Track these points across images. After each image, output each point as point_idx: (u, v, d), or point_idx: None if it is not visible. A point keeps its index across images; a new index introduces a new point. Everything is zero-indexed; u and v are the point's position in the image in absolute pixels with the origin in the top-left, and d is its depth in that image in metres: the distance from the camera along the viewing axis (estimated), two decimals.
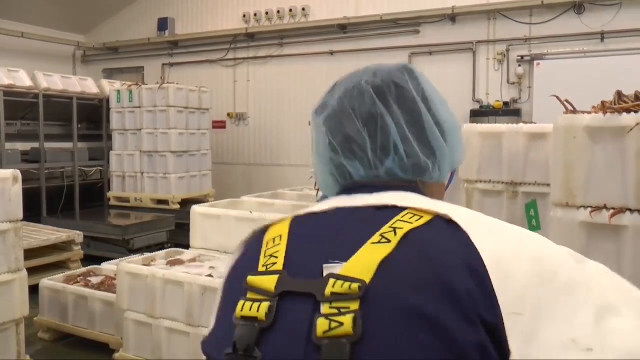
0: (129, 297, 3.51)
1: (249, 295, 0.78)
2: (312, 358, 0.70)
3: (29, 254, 4.76)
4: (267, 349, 0.73)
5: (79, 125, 7.95)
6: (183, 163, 7.47)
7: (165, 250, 4.02)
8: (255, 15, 8.79)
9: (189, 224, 4.10)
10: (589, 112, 2.10)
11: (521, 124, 2.96)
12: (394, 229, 0.78)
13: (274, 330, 0.74)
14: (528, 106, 7.06)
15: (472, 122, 6.52)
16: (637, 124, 1.92)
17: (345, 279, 0.73)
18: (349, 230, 0.83)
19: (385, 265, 0.74)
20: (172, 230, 6.81)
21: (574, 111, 2.17)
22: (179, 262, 3.69)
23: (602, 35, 6.67)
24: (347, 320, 0.70)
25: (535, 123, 3.14)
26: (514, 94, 7.20)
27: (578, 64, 6.79)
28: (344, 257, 0.76)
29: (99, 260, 5.28)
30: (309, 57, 8.47)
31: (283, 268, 0.79)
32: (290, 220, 0.90)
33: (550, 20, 6.96)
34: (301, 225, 0.88)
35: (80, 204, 7.69)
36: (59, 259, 5.44)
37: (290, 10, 8.49)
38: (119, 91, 7.65)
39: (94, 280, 4.40)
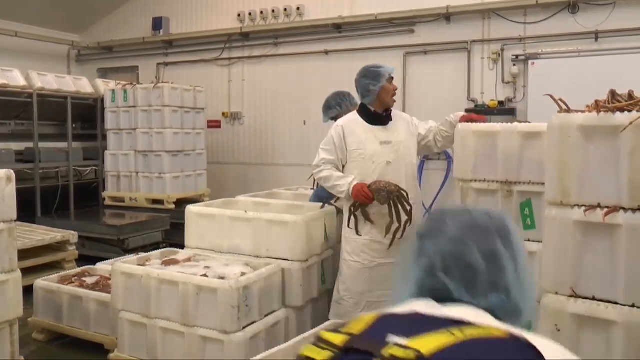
0: (124, 297, 3.51)
1: (318, 343, 0.91)
2: None
3: (23, 254, 4.74)
4: None
5: (74, 125, 7.92)
6: (178, 163, 7.46)
7: (160, 250, 4.02)
8: (250, 14, 8.77)
9: (184, 224, 4.09)
10: (583, 111, 2.11)
11: (515, 123, 2.97)
12: (462, 330, 0.89)
13: None
14: (523, 105, 7.07)
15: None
16: (631, 123, 1.93)
17: (405, 347, 0.84)
18: (422, 325, 0.93)
19: (444, 348, 0.84)
20: (167, 230, 6.80)
21: (568, 110, 2.18)
22: (174, 262, 3.68)
23: (596, 35, 6.69)
24: None
25: (529, 122, 3.14)
26: (508, 93, 7.20)
27: (572, 63, 6.80)
28: (410, 337, 0.87)
29: (94, 260, 5.26)
30: (304, 56, 8.46)
31: (356, 334, 0.91)
32: (373, 316, 1.01)
33: (545, 19, 6.97)
34: (389, 320, 0.99)
35: (74, 204, 7.67)
36: (53, 259, 5.42)
37: (285, 10, 8.48)
38: (113, 91, 7.63)
39: (89, 280, 4.38)
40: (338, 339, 0.89)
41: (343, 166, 3.62)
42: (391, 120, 3.67)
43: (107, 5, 10.07)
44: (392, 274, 3.48)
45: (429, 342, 0.84)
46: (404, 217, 3.42)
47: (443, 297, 1.04)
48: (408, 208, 3.44)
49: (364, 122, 3.63)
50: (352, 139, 3.59)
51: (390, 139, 3.60)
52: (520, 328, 1.01)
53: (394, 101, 3.68)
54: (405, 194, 3.45)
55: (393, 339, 0.86)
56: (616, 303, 1.99)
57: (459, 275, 1.04)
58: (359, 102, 3.93)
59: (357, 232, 3.52)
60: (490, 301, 1.03)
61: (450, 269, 1.05)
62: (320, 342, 0.90)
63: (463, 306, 1.01)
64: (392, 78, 3.63)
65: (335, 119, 4.27)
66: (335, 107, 4.44)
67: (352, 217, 3.52)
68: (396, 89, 3.67)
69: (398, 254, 3.47)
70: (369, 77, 3.58)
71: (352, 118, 3.70)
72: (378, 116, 3.63)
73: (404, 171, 3.59)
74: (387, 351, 0.83)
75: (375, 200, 3.42)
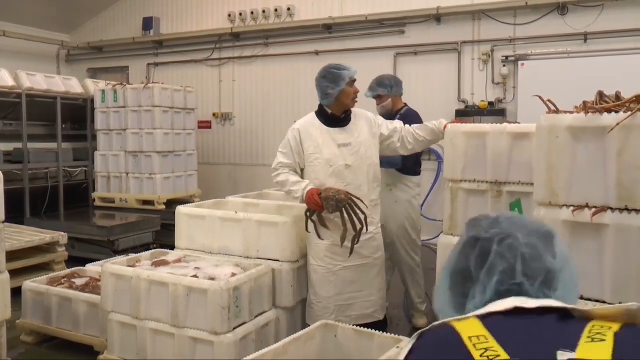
0: (114, 299, 3.49)
1: None
2: None
3: (12, 255, 4.71)
4: None
5: (63, 126, 7.87)
6: (168, 163, 7.43)
7: (150, 251, 3.99)
8: (241, 14, 8.77)
9: (174, 225, 4.07)
10: (571, 112, 2.13)
11: (505, 124, 2.97)
12: (599, 333, 0.94)
13: None
14: (513, 106, 7.11)
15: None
16: (618, 124, 1.94)
17: None
18: (547, 328, 0.99)
19: (615, 354, 0.89)
20: (158, 230, 6.77)
21: (557, 111, 2.19)
22: (164, 263, 3.67)
23: (586, 36, 6.74)
24: None
25: (519, 123, 3.15)
26: (498, 94, 7.24)
27: (562, 64, 6.85)
28: (566, 348, 0.91)
29: (84, 261, 5.22)
30: (295, 57, 8.47)
31: (513, 355, 0.92)
32: (478, 320, 1.03)
33: (535, 21, 7.02)
34: (493, 323, 1.01)
35: (64, 205, 7.62)
36: (42, 260, 5.38)
37: (276, 10, 8.48)
38: (103, 91, 7.59)
39: (78, 281, 4.35)
40: None
41: (302, 169, 3.54)
42: (350, 121, 3.52)
43: (97, 5, 10.03)
44: (361, 274, 3.50)
45: (598, 350, 0.89)
46: (358, 225, 3.31)
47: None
48: (362, 216, 3.31)
49: (322, 124, 3.50)
50: (308, 143, 3.47)
51: (349, 140, 3.46)
52: None
53: (355, 103, 3.53)
54: (358, 201, 3.32)
55: (563, 354, 0.89)
56: (604, 302, 2.00)
57: (537, 276, 1.11)
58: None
59: (319, 237, 3.46)
60: (562, 296, 1.11)
61: (529, 271, 1.11)
62: None
63: (540, 300, 1.08)
64: (354, 81, 3.47)
65: (377, 98, 4.40)
66: (386, 87, 4.41)
67: (310, 222, 3.46)
68: (357, 92, 3.51)
69: (361, 257, 3.48)
70: (328, 79, 3.43)
71: (310, 120, 3.56)
72: (336, 118, 3.50)
73: (365, 173, 3.47)
74: None
75: (324, 208, 3.34)
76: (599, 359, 0.88)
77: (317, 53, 8.27)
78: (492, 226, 1.19)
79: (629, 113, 1.94)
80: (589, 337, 0.93)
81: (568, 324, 0.99)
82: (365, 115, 3.61)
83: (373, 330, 2.84)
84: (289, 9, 8.41)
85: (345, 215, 3.31)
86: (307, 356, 2.74)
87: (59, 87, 7.65)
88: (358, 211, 3.32)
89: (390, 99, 4.39)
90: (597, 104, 2.09)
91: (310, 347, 2.78)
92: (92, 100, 7.79)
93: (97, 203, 7.66)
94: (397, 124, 3.65)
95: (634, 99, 1.99)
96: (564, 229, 2.07)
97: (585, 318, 1.00)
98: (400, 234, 4.30)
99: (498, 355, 0.91)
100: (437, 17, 7.45)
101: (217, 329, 3.10)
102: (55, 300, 4.06)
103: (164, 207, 7.19)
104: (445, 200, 3.10)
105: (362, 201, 3.35)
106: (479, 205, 2.99)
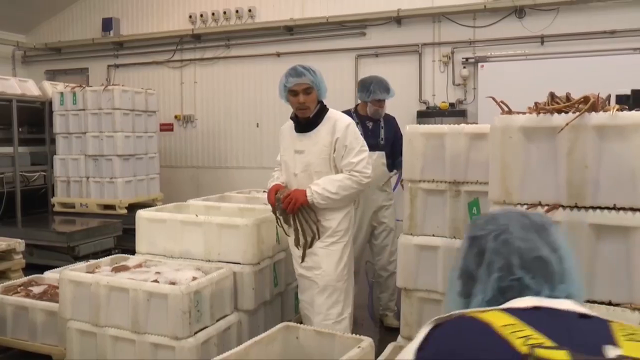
0: (72, 306, 3.41)
1: None
2: None
3: None
4: None
5: (20, 129, 7.65)
6: (130, 167, 7.31)
7: (110, 257, 3.92)
8: (202, 16, 8.70)
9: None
10: (524, 113, 2.18)
11: (462, 125, 3.02)
12: (632, 334, 0.93)
13: None
14: (473, 107, 7.24)
15: (418, 122, 6.62)
16: (567, 124, 2.00)
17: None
18: (574, 323, 0.99)
19: None
20: (120, 235, 6.64)
21: (510, 112, 2.24)
22: (125, 268, 3.61)
23: (542, 39, 6.91)
24: None
25: (478, 124, 3.21)
26: (459, 95, 7.36)
27: (520, 66, 7.00)
28: (607, 342, 0.90)
29: (43, 268, 5.09)
30: (256, 58, 8.45)
31: (558, 344, 0.89)
32: (502, 311, 1.01)
33: (493, 23, 7.16)
34: (521, 315, 0.99)
35: (22, 211, 7.40)
36: None
37: (237, 11, 8.45)
38: (62, 93, 7.42)
39: (36, 289, 4.24)
40: (562, 356, 0.86)
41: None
42: (315, 127, 3.30)
43: (55, 5, 9.81)
44: (310, 286, 3.35)
45: (635, 349, 0.88)
46: (309, 234, 3.27)
47: (517, 295, 1.09)
48: (313, 226, 3.26)
49: (292, 127, 3.41)
50: (282, 145, 3.48)
51: (304, 148, 3.30)
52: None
53: (303, 112, 3.27)
54: (310, 210, 3.25)
55: (609, 349, 0.88)
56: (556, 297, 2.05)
57: (536, 270, 1.10)
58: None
59: (285, 232, 3.48)
60: (567, 292, 1.10)
61: (527, 265, 1.10)
62: None
63: (555, 300, 1.07)
64: (297, 92, 3.21)
65: (381, 102, 4.47)
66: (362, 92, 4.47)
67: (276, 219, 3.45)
68: (300, 102, 3.23)
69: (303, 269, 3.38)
70: (279, 88, 3.34)
71: (289, 122, 3.46)
72: (298, 122, 3.36)
73: (308, 184, 3.27)
74: None
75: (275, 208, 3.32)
76: None
77: (278, 55, 8.26)
78: (488, 223, 1.19)
79: (577, 114, 2.00)
80: (624, 335, 0.92)
81: (592, 322, 0.99)
82: (334, 124, 3.28)
83: (334, 332, 2.85)
84: (250, 10, 8.38)
85: (297, 221, 3.29)
86: (269, 358, 2.74)
87: (15, 90, 7.44)
88: (310, 220, 3.26)
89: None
90: (548, 105, 2.14)
91: (272, 349, 2.77)
92: (50, 103, 7.60)
93: (57, 208, 7.49)
94: (352, 165, 3.25)
95: (582, 100, 2.05)
96: None
97: (602, 319, 1.00)
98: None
99: (542, 343, 0.88)
100: (397, 19, 7.53)
101: (178, 333, 3.07)
102: (10, 310, 3.95)
103: (125, 211, 7.08)
104: (405, 200, 3.13)
105: (313, 211, 3.27)
106: (438, 205, 3.03)
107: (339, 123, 3.28)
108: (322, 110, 3.33)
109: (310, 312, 3.36)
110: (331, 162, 3.27)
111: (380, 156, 4.43)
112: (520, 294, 1.09)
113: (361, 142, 3.32)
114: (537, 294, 1.09)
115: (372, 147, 4.25)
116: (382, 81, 4.44)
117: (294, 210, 3.24)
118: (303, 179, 3.31)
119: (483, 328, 0.95)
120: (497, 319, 0.97)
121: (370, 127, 4.51)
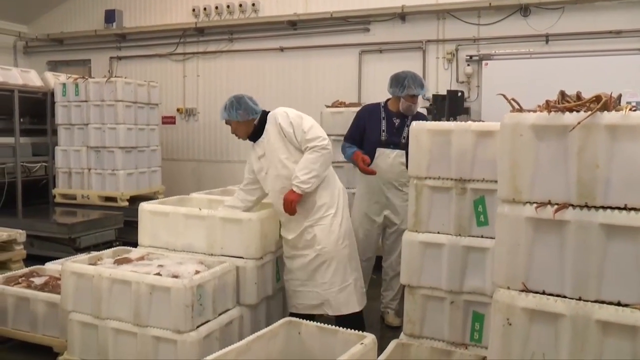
0: (74, 298, 3.40)
1: None
2: None
3: None
4: None
5: (21, 120, 7.62)
6: (131, 159, 7.30)
7: (112, 249, 3.91)
8: (205, 9, 8.67)
9: (137, 222, 4.00)
10: (535, 111, 2.16)
11: (469, 122, 3.01)
12: None
13: None
14: (477, 105, 7.22)
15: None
16: (579, 123, 1.98)
17: None
18: None
19: None
20: (121, 228, 6.63)
21: (520, 110, 2.22)
22: (127, 261, 3.59)
23: (547, 38, 6.89)
24: None
25: (483, 121, 3.19)
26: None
27: (524, 64, 6.99)
28: None
29: (44, 259, 5.08)
30: (259, 52, 8.42)
31: None
32: None
33: (498, 21, 7.13)
34: None
35: (23, 202, 7.39)
36: None
37: (240, 5, 8.42)
38: (64, 84, 7.40)
39: (37, 280, 4.23)
40: None
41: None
42: (263, 131, 3.65)
43: None
44: (308, 263, 3.61)
45: None
46: None
47: None
48: None
49: (251, 145, 3.77)
50: (251, 165, 3.79)
51: (264, 151, 3.65)
52: None
53: (239, 138, 3.78)
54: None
55: None
56: (564, 297, 2.04)
57: None
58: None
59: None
60: None
61: None
62: None
63: None
64: (228, 121, 3.70)
65: (415, 97, 4.23)
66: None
67: None
68: (233, 133, 3.76)
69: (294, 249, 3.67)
70: None
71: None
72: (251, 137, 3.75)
73: (281, 178, 3.57)
74: None
75: None
76: None
77: (281, 49, 8.24)
78: None
79: (589, 113, 1.98)
80: None
81: None
82: (275, 118, 3.62)
83: (336, 327, 2.84)
84: (253, 5, 8.36)
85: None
86: (270, 354, 2.73)
87: (17, 80, 7.42)
88: None
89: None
90: (559, 104, 2.12)
91: (273, 344, 2.76)
92: (52, 94, 7.58)
93: (58, 199, 7.48)
94: (307, 140, 3.51)
95: (594, 99, 2.03)
96: (527, 226, 2.10)
97: None
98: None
99: None
100: (402, 16, 7.50)
101: (180, 327, 3.06)
102: (12, 301, 3.94)
103: (127, 203, 7.07)
104: (410, 197, 3.12)
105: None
106: (444, 202, 3.02)
107: (277, 115, 3.62)
108: (263, 118, 3.69)
109: (307, 286, 3.59)
110: (287, 145, 3.55)
111: (399, 155, 4.19)
112: None
113: (300, 114, 3.61)
114: None
115: (393, 145, 4.21)
116: (416, 76, 4.22)
117: (295, 209, 3.49)
118: (274, 172, 3.59)
119: None
120: None
121: (396, 124, 4.26)
